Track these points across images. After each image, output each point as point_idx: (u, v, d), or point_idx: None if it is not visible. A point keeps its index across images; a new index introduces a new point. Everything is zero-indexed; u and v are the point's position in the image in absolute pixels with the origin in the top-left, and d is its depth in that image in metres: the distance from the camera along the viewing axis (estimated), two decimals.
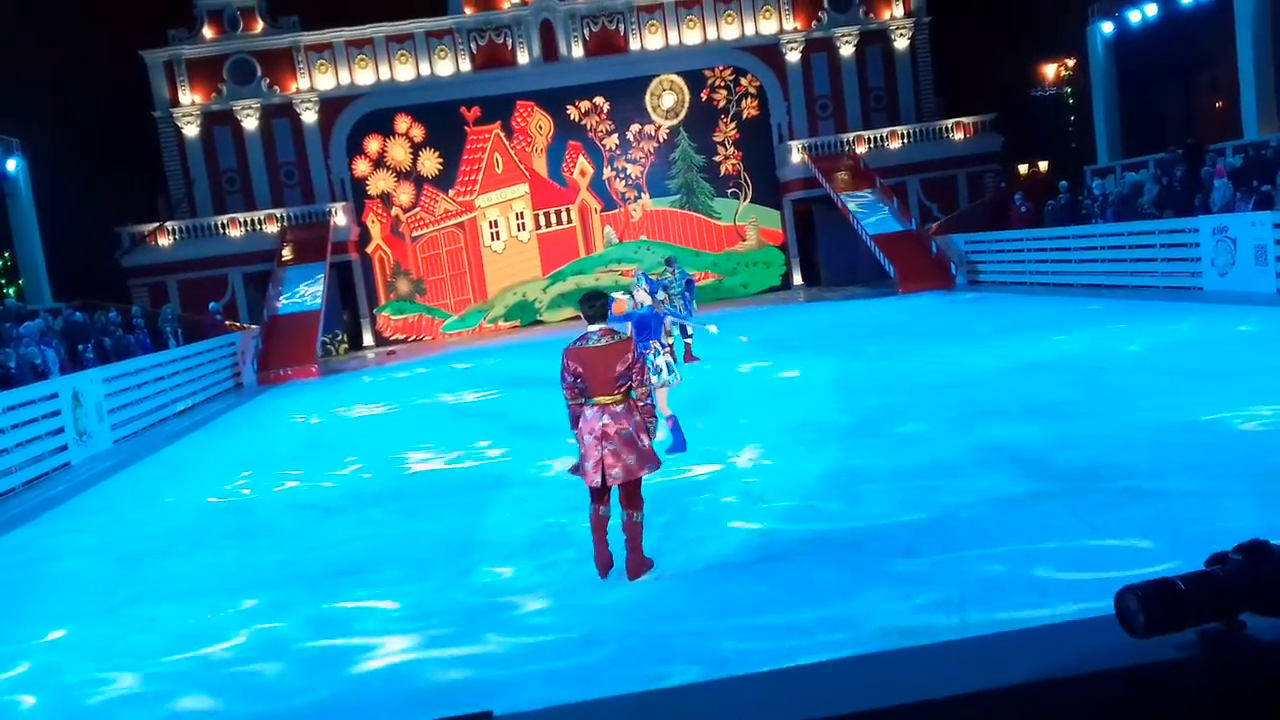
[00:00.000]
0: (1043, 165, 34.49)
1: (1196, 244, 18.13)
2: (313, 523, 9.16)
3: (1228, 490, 6.60)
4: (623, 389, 6.31)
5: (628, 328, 9.33)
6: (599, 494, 6.38)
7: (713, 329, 12.51)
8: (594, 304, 6.47)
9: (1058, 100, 33.37)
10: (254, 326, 27.36)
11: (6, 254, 32.03)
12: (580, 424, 6.34)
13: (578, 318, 15.37)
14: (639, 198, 34.37)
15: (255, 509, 10.08)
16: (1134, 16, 26.12)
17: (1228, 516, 6.07)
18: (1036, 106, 33.99)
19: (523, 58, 33.35)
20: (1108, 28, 27.34)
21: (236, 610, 6.76)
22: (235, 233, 31.85)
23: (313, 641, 6.02)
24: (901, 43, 34.26)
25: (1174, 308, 16.53)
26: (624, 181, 34.26)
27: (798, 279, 34.63)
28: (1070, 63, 32.08)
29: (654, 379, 9.58)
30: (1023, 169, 34.60)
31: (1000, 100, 33.35)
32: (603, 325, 6.43)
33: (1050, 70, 33.47)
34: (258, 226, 31.90)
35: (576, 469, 6.47)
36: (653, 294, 14.34)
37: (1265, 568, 1.65)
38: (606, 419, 6.23)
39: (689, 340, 17.18)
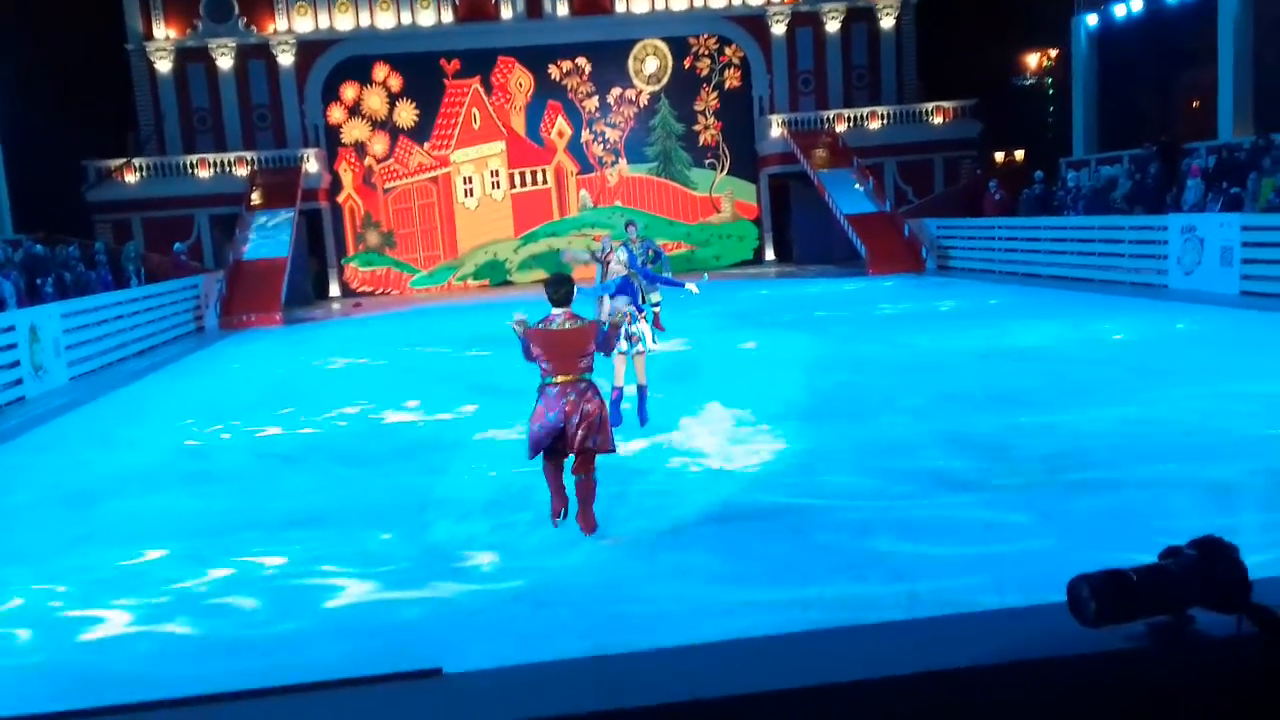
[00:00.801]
0: (1019, 154, 34.63)
1: (1165, 242, 18.32)
2: (270, 471, 9.08)
3: (1184, 485, 6.70)
4: (584, 368, 6.47)
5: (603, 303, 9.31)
6: (555, 454, 6.57)
7: (693, 288, 12.46)
8: (559, 288, 6.60)
9: (1038, 90, 33.45)
10: (219, 270, 27.01)
11: None
12: (542, 401, 6.47)
13: (656, 257, 15.40)
14: (616, 163, 34.19)
15: (212, 455, 9.98)
16: (1119, 10, 26.19)
17: (1182, 512, 6.16)
18: (1017, 95, 34.04)
19: (506, 12, 32.95)
20: (1092, 20, 27.40)
21: (186, 554, 6.69)
22: (204, 173, 31.36)
23: (264, 590, 5.98)
24: (888, 22, 34.18)
25: (1139, 303, 16.72)
26: (602, 145, 34.06)
27: (770, 254, 34.67)
28: (1053, 53, 32.14)
29: (626, 346, 9.46)
30: (999, 157, 34.72)
31: (981, 87, 33.38)
32: (567, 309, 6.57)
33: (1033, 60, 33.51)
34: (227, 168, 31.42)
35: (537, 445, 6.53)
36: (631, 262, 14.31)
37: (1217, 564, 1.66)
38: (572, 396, 6.39)
39: (657, 309, 17.05)
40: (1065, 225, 21.94)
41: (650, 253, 16.34)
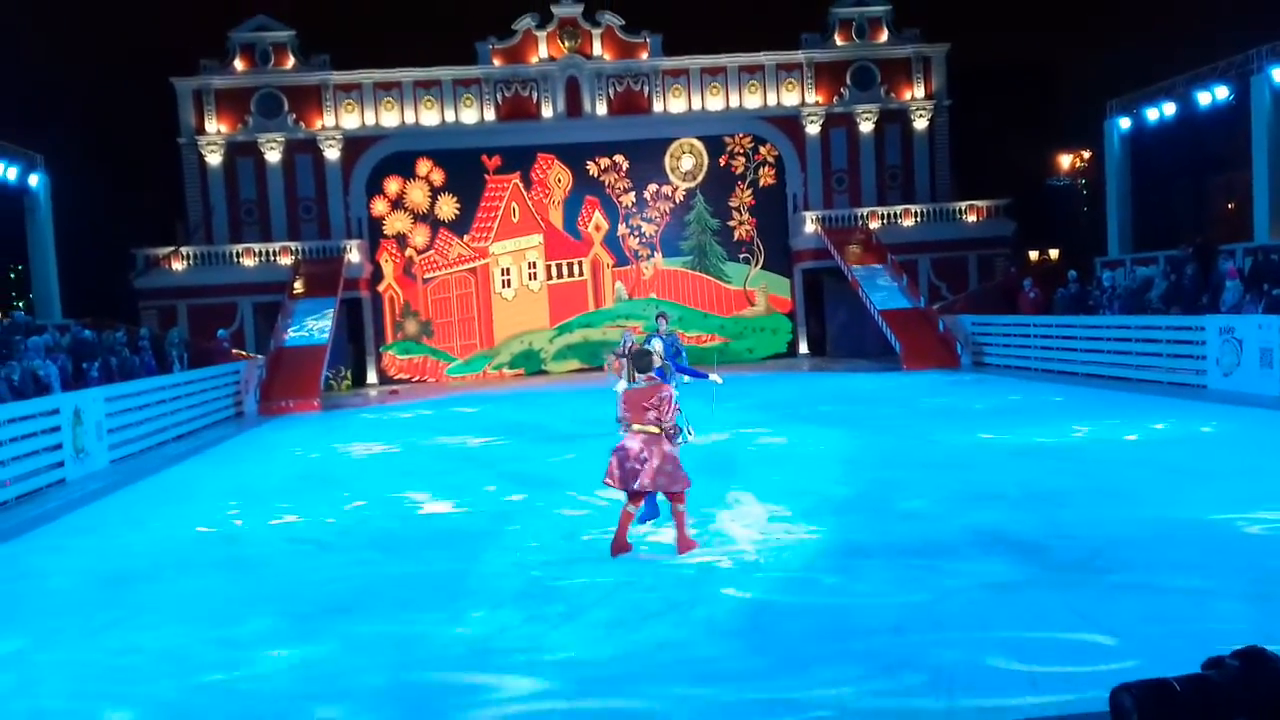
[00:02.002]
0: (1054, 253, 34.74)
1: (1203, 342, 18.20)
2: (303, 558, 9.11)
3: (1224, 591, 6.57)
4: (652, 421, 8.16)
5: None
6: (631, 495, 8.26)
7: (717, 378, 12.49)
8: (640, 360, 8.59)
9: (1072, 190, 33.70)
10: (259, 356, 27.41)
11: (20, 267, 32.26)
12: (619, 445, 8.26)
13: (582, 370, 15.49)
14: (651, 256, 34.62)
15: (246, 540, 10.04)
16: (1151, 114, 26.45)
17: (1222, 618, 6.03)
18: (1051, 195, 34.32)
19: (547, 111, 33.80)
20: (1125, 124, 27.67)
21: (218, 639, 6.70)
22: (249, 262, 32.08)
23: (293, 679, 5.97)
24: (921, 123, 34.69)
25: (1177, 404, 16.54)
26: (638, 239, 34.54)
27: (804, 348, 34.75)
28: (1086, 155, 32.46)
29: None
30: (1033, 255, 34.84)
31: (1015, 186, 33.69)
32: (648, 374, 8.42)
33: (1066, 160, 33.82)
34: (272, 258, 32.14)
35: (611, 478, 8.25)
36: (666, 354, 14.39)
37: (1262, 676, 1.65)
38: (634, 442, 8.16)
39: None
40: (1102, 324, 21.86)
41: (674, 349, 16.22)
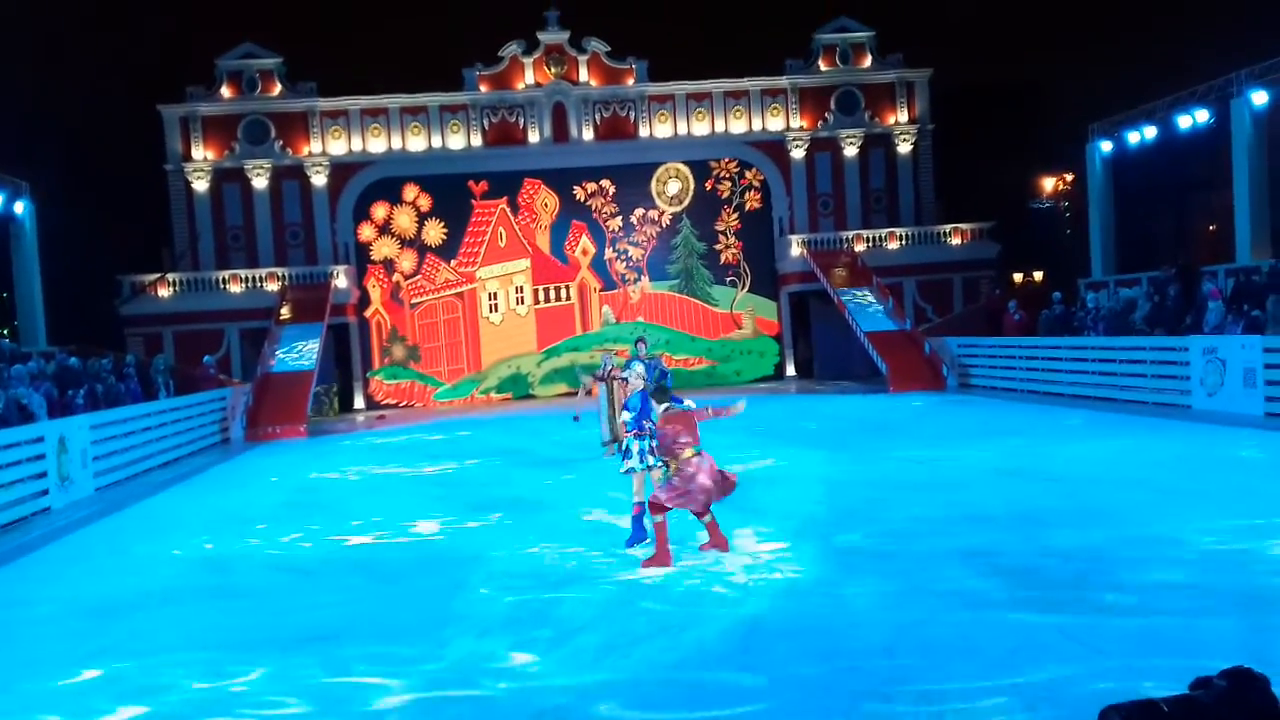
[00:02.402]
0: (1038, 275, 34.97)
1: (1187, 363, 18.31)
2: (289, 585, 9.06)
3: (1211, 611, 6.59)
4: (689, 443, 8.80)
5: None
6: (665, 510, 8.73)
7: (741, 406, 12.74)
8: (661, 395, 9.27)
9: (1055, 213, 33.96)
10: (245, 383, 27.31)
11: (4, 295, 32.13)
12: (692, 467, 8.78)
13: (570, 393, 15.48)
14: (639, 280, 34.72)
15: (232, 567, 9.98)
16: (1133, 137, 26.71)
17: (1210, 638, 6.05)
18: (1034, 217, 34.61)
19: (533, 137, 33.94)
20: (1106, 146, 27.93)
21: (204, 667, 6.65)
22: (236, 289, 32.02)
23: (274, 708, 5.93)
24: (904, 147, 34.95)
25: (1162, 424, 16.63)
26: (625, 263, 34.63)
27: (790, 370, 34.83)
28: (1069, 177, 32.75)
29: (637, 462, 9.46)
30: (1018, 277, 35.05)
31: (999, 209, 33.97)
32: (666, 405, 9.10)
33: (1049, 183, 34.10)
34: (259, 284, 32.09)
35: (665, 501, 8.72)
36: (648, 375, 14.45)
37: (1248, 696, 1.66)
38: (693, 466, 8.74)
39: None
40: (1086, 345, 21.98)
41: (657, 372, 16.09)
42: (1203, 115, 24.08)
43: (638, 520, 9.34)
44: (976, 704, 5.27)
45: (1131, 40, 35.58)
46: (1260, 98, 22.37)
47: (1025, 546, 8.68)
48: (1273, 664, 5.31)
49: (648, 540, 9.17)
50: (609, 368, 15.91)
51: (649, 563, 8.65)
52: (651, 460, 9.35)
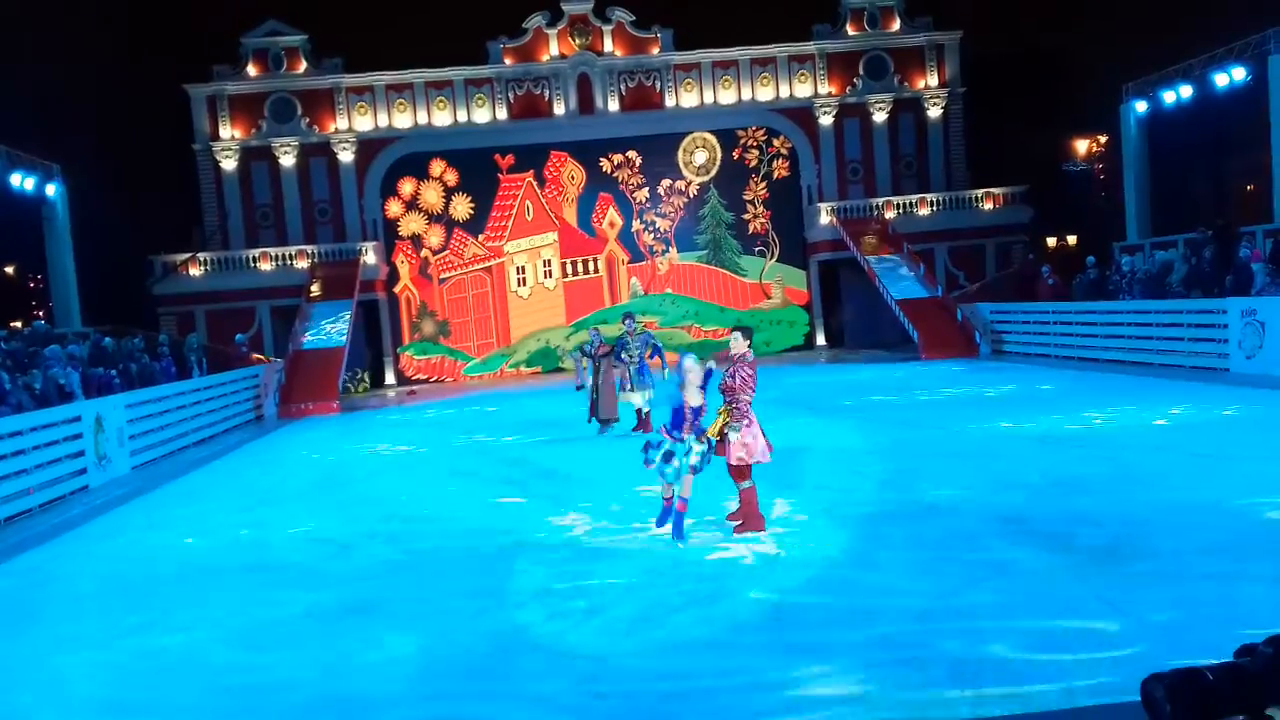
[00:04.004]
0: (1071, 239, 34.52)
1: (1225, 325, 18.03)
2: (326, 559, 9.13)
3: (1251, 575, 6.50)
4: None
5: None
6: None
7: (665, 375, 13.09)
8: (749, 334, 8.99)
9: (1089, 175, 33.46)
10: (278, 360, 27.53)
11: (40, 277, 32.51)
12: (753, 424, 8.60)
13: (654, 354, 15.50)
14: (666, 251, 34.60)
15: (269, 543, 10.07)
16: (1168, 97, 26.23)
17: (1250, 603, 5.97)
18: (1067, 181, 34.10)
19: (559, 109, 33.80)
20: (1141, 107, 27.44)
21: (244, 642, 6.73)
22: (266, 266, 32.23)
23: (319, 679, 5.98)
24: (935, 112, 34.52)
25: (1200, 388, 16.40)
26: (652, 234, 34.51)
27: (821, 339, 34.66)
28: (1103, 139, 32.22)
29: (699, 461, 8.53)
30: (1051, 242, 34.62)
31: (1031, 173, 33.48)
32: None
33: (1082, 146, 33.58)
34: (288, 261, 32.28)
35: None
36: (643, 349, 14.58)
37: None
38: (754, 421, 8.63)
39: (648, 411, 15.48)
40: (1122, 309, 21.70)
41: (649, 349, 15.75)
42: (1240, 73, 23.59)
43: (679, 516, 8.53)
44: (1012, 672, 5.23)
45: None
46: None
47: (1061, 513, 8.59)
48: None
49: (682, 544, 8.39)
50: (598, 344, 15.91)
51: (741, 529, 8.65)
52: (695, 460, 8.47)
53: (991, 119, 33.53)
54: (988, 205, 33.62)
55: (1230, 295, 18.52)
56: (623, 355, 15.73)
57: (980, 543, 7.84)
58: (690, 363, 8.62)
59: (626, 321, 16.11)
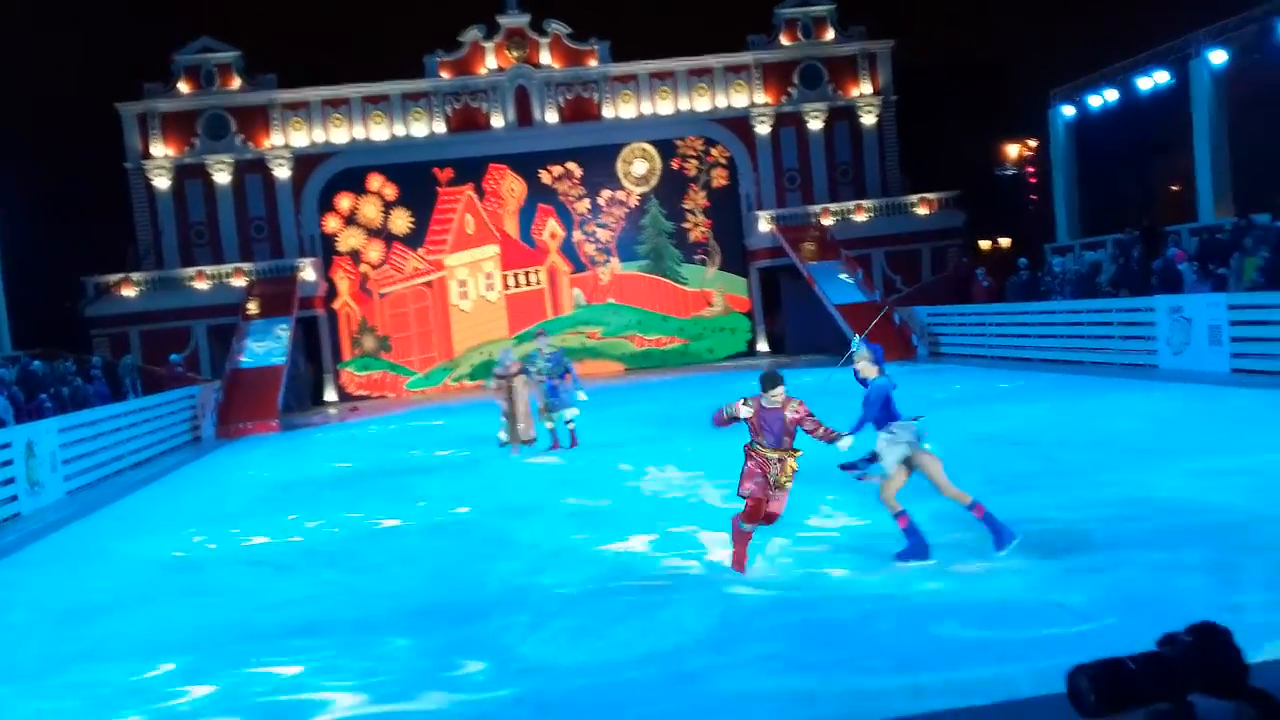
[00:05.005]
0: (1004, 242, 35.15)
1: (1153, 323, 18.48)
2: (265, 580, 9.00)
3: (1184, 566, 6.66)
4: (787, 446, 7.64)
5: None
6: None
7: (582, 395, 12.88)
8: (768, 381, 7.71)
9: (1019, 179, 34.12)
10: (215, 380, 27.09)
11: None
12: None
13: (566, 372, 15.34)
14: (608, 261, 34.63)
15: (207, 565, 9.90)
16: (1094, 101, 26.85)
17: (1184, 592, 6.12)
18: (999, 185, 34.77)
19: (497, 122, 33.72)
20: (1069, 111, 28.06)
21: (184, 668, 6.60)
22: (201, 285, 31.72)
23: (261, 701, 5.89)
24: (869, 119, 34.98)
25: (1130, 385, 16.79)
26: (594, 245, 34.55)
27: (763, 346, 34.89)
28: (1032, 144, 32.88)
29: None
30: (985, 245, 35.24)
31: (964, 178, 34.08)
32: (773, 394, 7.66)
33: (1013, 150, 34.25)
34: (225, 280, 31.81)
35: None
36: (555, 369, 14.28)
37: (1215, 650, 1.67)
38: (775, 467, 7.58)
39: (571, 425, 15.14)
40: (1054, 310, 22.15)
41: (561, 369, 15.20)
42: (1163, 77, 24.23)
43: (911, 531, 7.60)
44: (954, 666, 5.30)
45: (1090, 4, 35.72)
46: (1218, 57, 22.53)
47: (998, 510, 8.72)
48: (1242, 612, 5.39)
49: (927, 559, 7.43)
50: (510, 364, 15.51)
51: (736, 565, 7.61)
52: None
53: (924, 126, 34.11)
54: (922, 210, 34.14)
55: (1157, 293, 18.99)
56: (533, 373, 15.23)
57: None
58: (864, 352, 8.30)
59: (539, 339, 15.75)
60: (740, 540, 7.60)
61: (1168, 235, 21.77)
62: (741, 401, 7.77)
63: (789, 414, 7.60)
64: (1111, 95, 26.15)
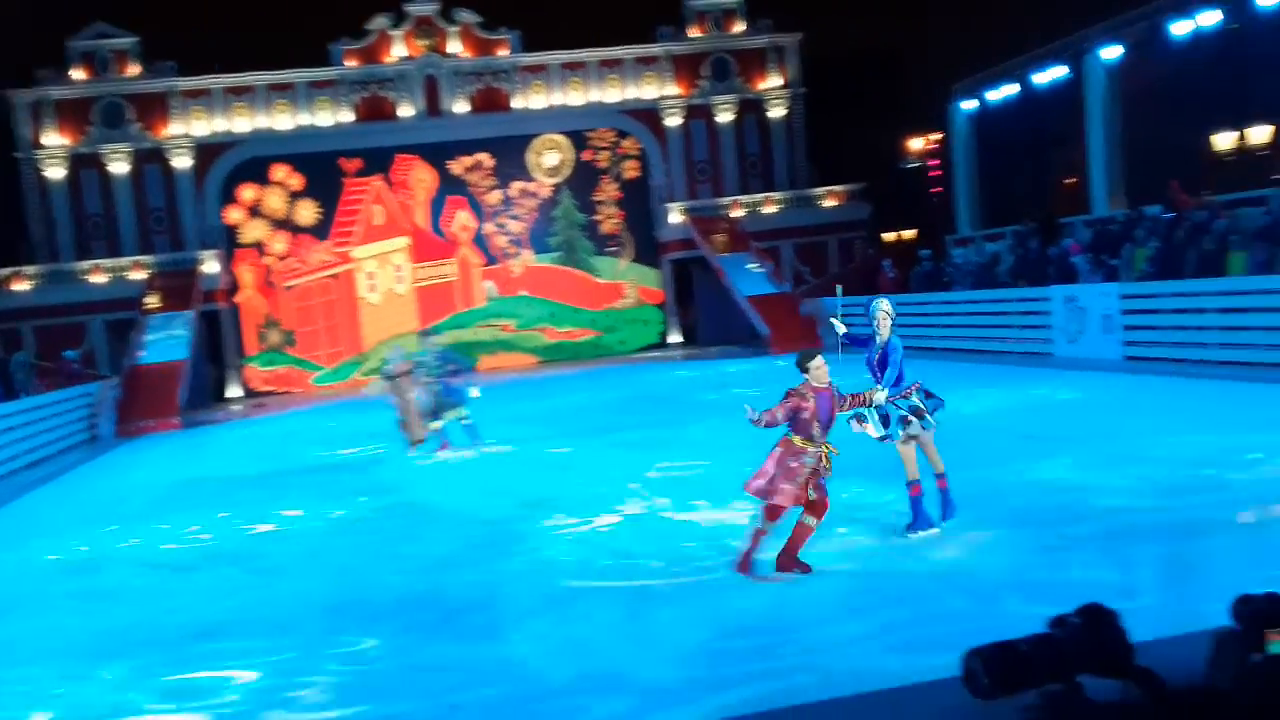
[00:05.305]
0: (909, 234, 35.85)
1: (1049, 312, 19.05)
2: (165, 582, 8.77)
3: (1079, 545, 6.89)
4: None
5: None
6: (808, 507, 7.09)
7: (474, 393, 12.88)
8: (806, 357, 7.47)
9: (923, 172, 34.84)
10: (113, 377, 26.25)
11: None
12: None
13: (456, 371, 15.12)
14: (520, 253, 34.43)
15: (104, 568, 9.60)
16: (993, 96, 27.55)
17: (1078, 573, 6.32)
18: (903, 178, 35.46)
19: (406, 111, 33.26)
20: (969, 105, 28.74)
21: (77, 674, 6.40)
22: (98, 279, 30.70)
23: (161, 710, 5.74)
24: (777, 112, 35.35)
25: (1027, 372, 17.28)
26: (505, 237, 34.30)
27: (675, 337, 35.06)
28: (935, 137, 33.57)
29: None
30: (890, 237, 35.91)
31: (869, 170, 34.66)
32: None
33: (916, 144, 34.95)
34: (122, 273, 30.83)
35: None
36: (443, 367, 14.14)
37: (1102, 631, 1.73)
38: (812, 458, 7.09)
39: (466, 421, 14.67)
40: (955, 300, 22.70)
41: (450, 367, 14.82)
42: (1059, 72, 24.95)
43: (916, 501, 7.80)
44: (855, 652, 5.41)
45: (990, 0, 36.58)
46: (1111, 53, 23.29)
47: (898, 497, 8.92)
48: (1132, 595, 5.59)
49: (934, 528, 7.72)
50: (397, 365, 15.18)
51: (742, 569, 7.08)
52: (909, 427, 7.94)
53: (831, 119, 34.58)
54: (829, 203, 34.64)
55: (1054, 284, 19.59)
56: (422, 374, 14.84)
57: (820, 529, 8.05)
58: (888, 306, 8.53)
59: (425, 340, 15.36)
60: (756, 540, 7.04)
61: (1063, 227, 22.46)
62: (796, 397, 7.18)
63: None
64: (1011, 90, 26.86)
